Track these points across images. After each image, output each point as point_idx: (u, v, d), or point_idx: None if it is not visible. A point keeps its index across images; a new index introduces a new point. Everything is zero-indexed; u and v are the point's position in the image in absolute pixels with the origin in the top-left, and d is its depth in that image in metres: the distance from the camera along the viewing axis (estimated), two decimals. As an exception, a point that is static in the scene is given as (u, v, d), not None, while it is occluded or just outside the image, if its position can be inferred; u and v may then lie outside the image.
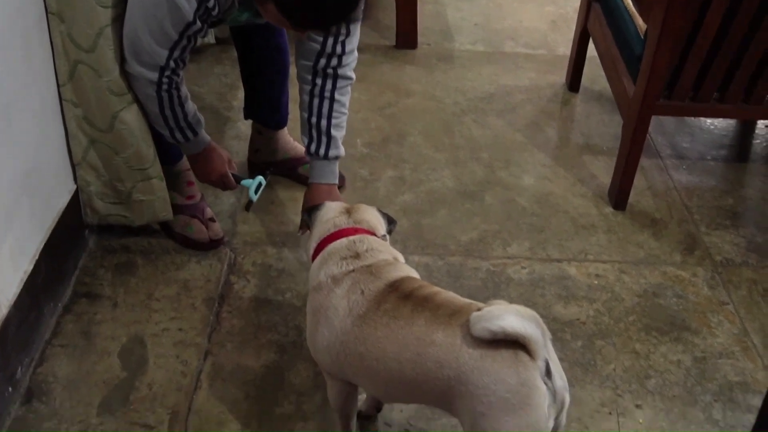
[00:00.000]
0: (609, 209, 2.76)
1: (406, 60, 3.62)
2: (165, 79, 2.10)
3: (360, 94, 3.34)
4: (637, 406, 2.06)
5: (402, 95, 3.36)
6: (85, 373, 2.06)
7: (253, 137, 2.81)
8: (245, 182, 2.42)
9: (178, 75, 2.14)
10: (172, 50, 2.05)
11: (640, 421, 2.02)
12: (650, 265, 2.53)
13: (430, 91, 3.41)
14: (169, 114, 2.19)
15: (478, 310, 1.51)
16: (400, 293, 1.64)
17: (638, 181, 2.81)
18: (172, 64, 2.07)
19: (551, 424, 1.50)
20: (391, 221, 1.94)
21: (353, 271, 1.71)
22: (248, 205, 2.45)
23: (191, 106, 2.25)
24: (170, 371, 2.08)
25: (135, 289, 2.32)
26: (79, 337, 2.16)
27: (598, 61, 3.07)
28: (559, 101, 3.41)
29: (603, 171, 2.94)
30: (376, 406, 1.98)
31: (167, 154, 2.43)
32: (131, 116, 2.21)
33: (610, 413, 2.03)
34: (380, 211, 1.94)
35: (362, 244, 1.76)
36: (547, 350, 1.50)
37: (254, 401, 2.02)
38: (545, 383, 1.47)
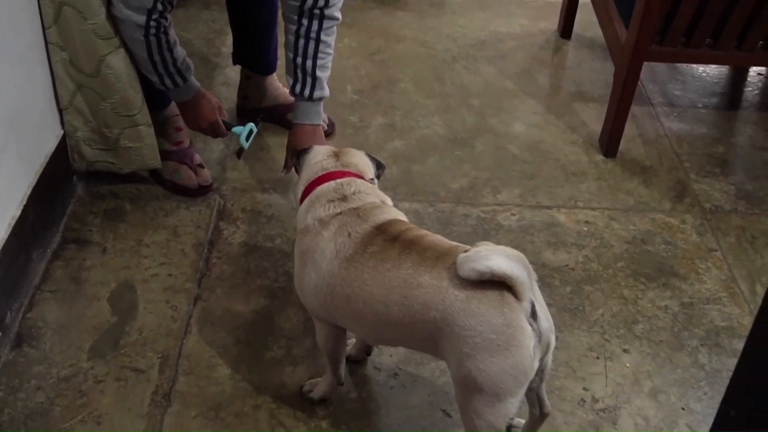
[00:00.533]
0: (599, 156, 2.76)
1: (396, 5, 3.58)
2: (153, 23, 2.07)
3: (350, 40, 3.30)
4: (625, 351, 2.08)
5: (392, 41, 3.33)
6: (75, 318, 2.07)
7: (241, 83, 2.78)
8: (236, 129, 2.40)
9: (165, 18, 2.10)
10: None
11: (627, 365, 2.04)
12: (639, 212, 2.53)
13: (420, 37, 3.38)
14: (157, 59, 2.16)
15: (465, 252, 1.51)
16: (387, 236, 1.64)
17: (629, 128, 2.80)
18: (159, 6, 2.04)
19: (536, 364, 1.52)
20: (379, 165, 1.93)
21: (340, 213, 1.70)
22: (239, 152, 2.44)
23: (180, 52, 2.21)
24: (160, 316, 2.09)
25: (124, 235, 2.32)
26: (69, 282, 2.16)
27: (591, 7, 3.04)
28: (550, 48, 3.38)
29: (594, 118, 2.93)
30: (366, 350, 1.99)
31: (155, 99, 2.40)
32: (118, 61, 2.18)
33: (597, 357, 2.05)
34: (369, 155, 1.93)
35: (350, 187, 1.76)
36: (533, 292, 1.50)
37: (244, 346, 2.03)
38: (530, 324, 1.48)
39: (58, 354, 1.97)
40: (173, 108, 2.46)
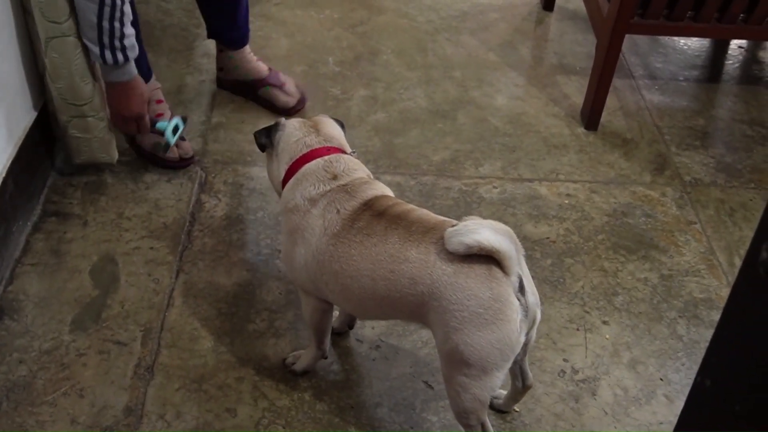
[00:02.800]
0: (581, 129, 2.77)
1: (378, -24, 3.56)
2: None
3: (332, 11, 3.28)
4: (604, 323, 2.10)
5: (374, 12, 3.31)
6: (57, 291, 2.06)
7: (217, 55, 2.76)
8: (160, 125, 2.33)
9: None
10: None
11: (607, 336, 2.06)
12: (620, 184, 2.55)
13: (402, 8, 3.36)
14: (106, 27, 2.04)
15: (453, 226, 1.51)
16: (373, 211, 1.63)
17: (610, 101, 2.81)
18: None
19: (523, 338, 1.53)
20: (342, 126, 1.91)
21: (329, 191, 1.68)
22: (165, 147, 2.37)
23: (131, 30, 2.11)
24: (142, 289, 2.08)
25: (105, 208, 2.31)
26: (50, 255, 2.15)
27: (573, -22, 3.04)
28: (533, 20, 3.38)
29: (576, 91, 2.93)
30: (349, 323, 2.00)
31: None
32: (62, 48, 2.09)
33: (577, 329, 2.07)
34: (334, 119, 1.89)
35: (339, 165, 1.73)
36: (520, 266, 1.51)
37: (226, 318, 2.03)
38: (518, 299, 1.49)
39: (39, 327, 1.97)
40: (154, 82, 2.45)
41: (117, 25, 2.05)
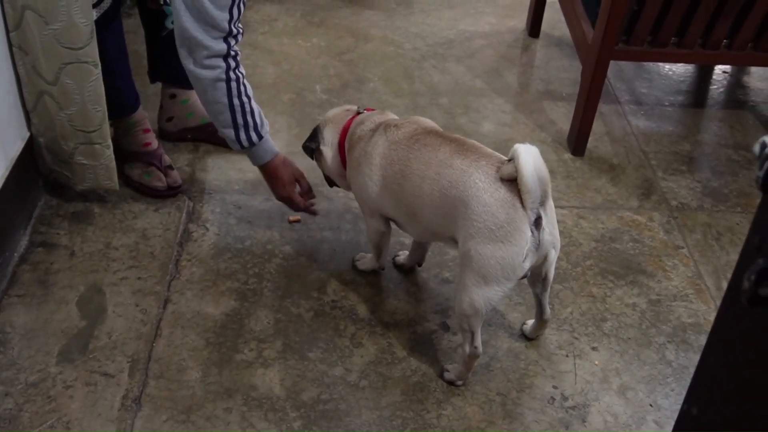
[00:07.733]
0: (568, 155, 2.78)
1: (364, 4, 3.58)
2: (232, 52, 2.01)
3: (319, 39, 3.30)
4: (593, 349, 2.10)
5: (361, 40, 3.33)
6: (43, 323, 2.05)
7: (165, 105, 2.65)
8: (167, 9, 2.33)
9: (238, 55, 2.05)
10: (230, 10, 1.96)
11: (596, 362, 2.06)
12: (607, 210, 2.56)
13: (389, 36, 3.38)
14: (237, 104, 2.06)
15: (501, 162, 1.77)
16: (433, 132, 1.94)
17: (597, 126, 2.83)
18: (234, 29, 2.00)
19: (527, 265, 1.74)
20: None
21: (387, 120, 2.02)
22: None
23: (257, 106, 2.13)
24: (129, 319, 2.07)
25: (92, 238, 2.30)
26: (36, 286, 2.14)
27: (558, 5, 3.06)
28: (519, 47, 3.40)
29: (562, 117, 2.95)
30: (418, 261, 2.27)
31: (122, 107, 2.38)
32: (78, 73, 2.12)
33: (566, 355, 2.07)
34: None
35: (382, 111, 2.12)
36: (544, 208, 1.72)
37: (214, 348, 2.02)
38: (532, 231, 1.70)
39: (26, 359, 1.96)
40: (141, 112, 2.45)
41: (245, 99, 2.09)
